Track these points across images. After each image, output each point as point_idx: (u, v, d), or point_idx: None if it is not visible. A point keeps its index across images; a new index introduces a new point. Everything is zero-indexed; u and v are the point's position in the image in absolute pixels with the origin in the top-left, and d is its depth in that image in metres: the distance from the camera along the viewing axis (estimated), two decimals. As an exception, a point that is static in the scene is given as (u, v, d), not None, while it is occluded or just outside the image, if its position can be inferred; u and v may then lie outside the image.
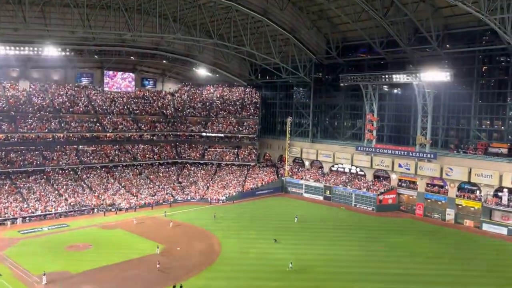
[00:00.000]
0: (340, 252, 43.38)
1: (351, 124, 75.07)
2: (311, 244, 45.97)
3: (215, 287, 34.19)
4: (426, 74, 55.69)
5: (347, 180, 68.81)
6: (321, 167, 74.85)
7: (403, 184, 63.60)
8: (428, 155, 59.04)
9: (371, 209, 62.50)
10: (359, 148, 67.56)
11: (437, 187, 59.66)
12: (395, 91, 67.63)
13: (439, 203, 58.85)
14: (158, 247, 42.68)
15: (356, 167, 69.71)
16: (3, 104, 65.74)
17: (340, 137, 74.70)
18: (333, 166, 73.01)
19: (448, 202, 57.46)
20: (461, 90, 59.34)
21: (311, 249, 44.14)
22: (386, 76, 61.46)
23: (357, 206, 64.34)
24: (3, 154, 61.56)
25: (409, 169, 61.59)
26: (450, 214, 57.03)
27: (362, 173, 68.93)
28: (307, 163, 77.07)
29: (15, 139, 63.85)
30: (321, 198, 69.15)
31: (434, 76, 55.09)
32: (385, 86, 67.08)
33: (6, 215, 52.14)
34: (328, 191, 68.63)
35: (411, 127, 64.51)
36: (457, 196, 56.87)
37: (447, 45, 58.10)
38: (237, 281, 35.20)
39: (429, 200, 60.03)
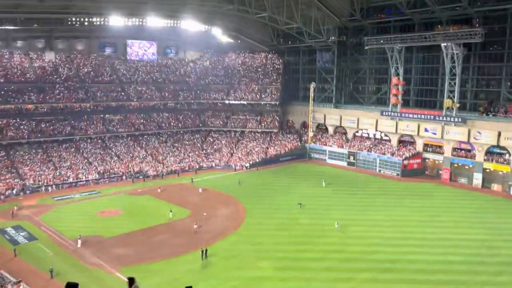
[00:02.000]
0: (366, 216, 43.66)
1: (375, 88, 73.60)
2: (338, 209, 46.35)
3: (240, 251, 35.23)
4: (455, 35, 53.52)
5: (371, 146, 68.24)
6: (345, 133, 74.26)
7: (428, 149, 62.66)
8: (456, 119, 57.66)
9: (395, 174, 62.12)
10: (384, 113, 66.49)
11: (464, 151, 58.54)
12: (422, 53, 65.42)
13: (466, 167, 57.91)
14: (171, 211, 44.06)
15: (381, 132, 68.86)
16: (31, 75, 67.28)
17: (364, 102, 73.53)
18: (357, 132, 72.33)
19: (476, 167, 56.46)
20: (492, 50, 56.94)
21: (337, 214, 44.53)
22: (413, 38, 59.48)
23: (382, 171, 64.05)
24: (34, 124, 63.59)
25: (435, 134, 60.47)
26: (477, 179, 56.16)
27: (387, 138, 68.12)
28: (330, 129, 76.56)
29: (44, 109, 65.66)
30: (345, 164, 69.04)
31: (464, 36, 52.91)
32: (411, 49, 64.92)
33: (40, 182, 54.48)
34: (352, 157, 68.36)
35: (438, 91, 62.80)
36: (485, 160, 55.76)
37: (478, 3, 55.34)
38: (262, 246, 36.14)
39: (455, 165, 59.12)
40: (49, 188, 54.20)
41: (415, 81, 66.24)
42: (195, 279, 30.03)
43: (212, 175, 63.28)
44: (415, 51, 65.21)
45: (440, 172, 60.43)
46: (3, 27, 61.16)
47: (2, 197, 50.00)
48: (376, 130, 69.17)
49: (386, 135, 68.23)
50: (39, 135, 62.53)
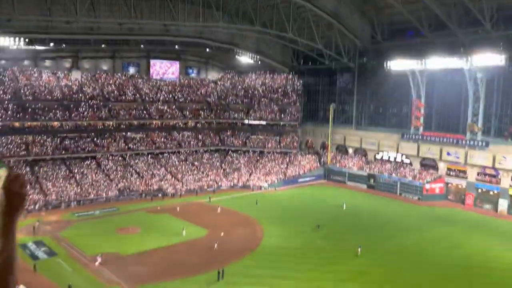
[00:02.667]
0: (387, 241, 42.72)
1: (396, 110, 72.96)
2: (357, 232, 45.52)
3: (256, 273, 34.84)
4: (478, 58, 53.01)
5: (392, 168, 67.27)
6: (365, 155, 73.51)
7: (451, 173, 61.35)
8: (480, 143, 56.50)
9: (416, 198, 60.87)
10: (405, 136, 65.69)
11: (488, 177, 57.09)
12: (444, 76, 64.71)
13: (491, 193, 56.36)
14: (184, 229, 44.09)
15: (402, 155, 67.92)
16: (58, 94, 69.34)
17: (385, 124, 72.87)
18: (377, 154, 71.51)
19: (501, 192, 54.88)
20: (517, 74, 56.01)
21: (356, 238, 43.72)
22: (435, 60, 59.11)
23: (402, 195, 62.87)
24: (58, 141, 65.17)
25: (458, 158, 59.28)
26: (502, 205, 54.52)
27: (408, 161, 67.08)
28: (350, 150, 75.96)
29: (69, 126, 67.35)
30: (364, 186, 68.11)
31: (487, 60, 52.36)
32: (434, 71, 64.36)
33: (62, 198, 55.46)
34: (372, 180, 67.44)
35: (461, 114, 61.79)
36: (510, 186, 54.19)
37: (501, 27, 54.79)
38: (278, 269, 35.67)
39: (480, 190, 57.62)
40: (71, 204, 55.08)
41: (437, 104, 65.47)
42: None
43: (230, 194, 63.27)
44: (437, 74, 64.57)
45: (464, 197, 58.95)
46: (33, 47, 63.49)
47: (25, 212, 51.01)
48: (397, 153, 68.28)
49: (407, 158, 67.23)
50: (63, 151, 63.97)
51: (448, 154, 60.50)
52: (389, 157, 70.00)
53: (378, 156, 71.41)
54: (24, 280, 31.72)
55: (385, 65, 65.50)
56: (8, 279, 1.81)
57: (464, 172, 59.64)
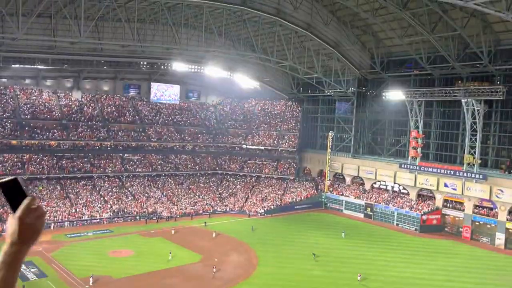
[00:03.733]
0: (384, 272, 42.07)
1: (394, 140, 73.22)
2: (354, 262, 44.85)
3: (251, 301, 34.10)
4: (476, 91, 53.64)
5: (389, 198, 66.97)
6: (362, 184, 73.30)
7: (448, 205, 61.07)
8: (477, 176, 56.48)
9: (413, 229, 60.34)
10: (402, 166, 65.69)
11: (486, 209, 56.82)
12: (442, 107, 65.40)
13: (488, 226, 55.96)
14: (170, 252, 43.78)
15: (399, 185, 67.75)
16: (57, 113, 69.45)
17: (383, 154, 72.98)
18: (375, 183, 71.33)
19: (498, 226, 54.52)
20: (514, 108, 56.57)
21: (353, 267, 43.06)
22: (433, 92, 59.79)
23: (399, 225, 62.36)
24: (55, 160, 64.83)
25: (455, 189, 59.12)
26: (500, 239, 54.05)
27: (405, 191, 66.87)
28: (348, 179, 75.77)
29: (66, 146, 67.13)
30: (361, 215, 67.59)
31: (485, 93, 52.97)
32: (431, 103, 65.03)
33: (55, 218, 54.71)
34: (369, 209, 67.00)
35: (459, 146, 62.05)
36: (507, 219, 53.89)
37: (499, 61, 55.73)
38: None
39: (477, 223, 57.24)
40: (64, 224, 54.30)
41: (434, 135, 65.83)
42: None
43: (225, 219, 62.60)
44: (435, 105, 65.25)
45: (461, 229, 58.49)
46: (35, 66, 63.99)
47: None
48: (395, 183, 68.12)
49: (404, 188, 67.04)
50: (58, 171, 63.53)
51: (446, 185, 60.37)
52: (386, 186, 69.80)
53: (376, 185, 71.20)
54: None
55: (383, 95, 66.17)
56: None
57: (461, 204, 59.40)
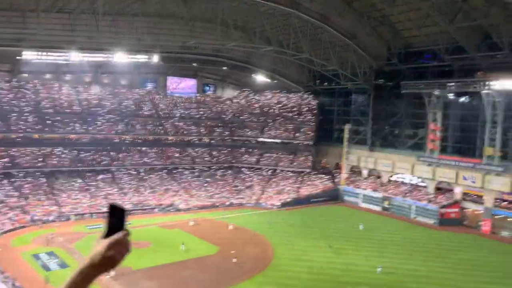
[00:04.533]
0: (401, 265, 41.89)
1: (412, 133, 72.32)
2: (371, 255, 44.74)
3: (267, 292, 34.44)
4: (496, 82, 52.54)
5: (406, 191, 66.36)
6: (380, 177, 72.76)
7: (467, 198, 60.20)
8: (497, 168, 55.47)
9: (432, 222, 59.71)
10: (420, 159, 64.93)
11: (506, 203, 55.82)
12: (461, 99, 64.23)
13: (509, 219, 55.01)
14: (183, 244, 44.34)
15: (417, 178, 67.03)
16: (77, 107, 70.76)
17: (400, 146, 72.17)
18: (392, 176, 70.74)
19: (519, 219, 53.59)
20: (536, 99, 55.24)
21: (367, 260, 43.04)
22: (452, 84, 58.77)
23: (417, 219, 61.80)
24: (75, 153, 66.19)
25: (474, 182, 58.22)
26: (520, 232, 53.17)
27: (423, 184, 66.15)
28: (364, 172, 75.29)
29: (86, 139, 68.45)
30: (379, 208, 67.18)
31: (506, 84, 51.84)
32: (450, 94, 63.94)
33: (76, 210, 56.01)
34: (387, 202, 66.54)
35: (478, 138, 60.93)
36: (529, 213, 52.92)
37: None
38: (289, 288, 35.23)
39: (497, 216, 56.32)
40: (84, 216, 55.54)
41: (453, 127, 64.75)
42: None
43: (242, 212, 63.05)
44: (454, 97, 64.14)
45: (480, 223, 57.65)
46: (55, 61, 65.15)
47: (39, 223, 51.61)
48: (412, 175, 67.44)
49: (422, 181, 66.31)
50: (79, 164, 64.87)
51: (464, 178, 59.49)
52: (404, 179, 69.14)
53: (393, 178, 70.60)
54: (35, 291, 31.94)
55: (401, 87, 65.31)
56: None
57: (481, 197, 58.48)
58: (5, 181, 57.53)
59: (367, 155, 74.48)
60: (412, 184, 67.71)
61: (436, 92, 61.67)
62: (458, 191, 60.93)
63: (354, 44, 66.68)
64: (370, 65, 71.06)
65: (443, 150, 64.38)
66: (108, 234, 1.93)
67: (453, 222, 59.00)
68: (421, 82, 62.73)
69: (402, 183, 69.00)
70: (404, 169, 68.11)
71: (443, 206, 59.84)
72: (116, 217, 1.97)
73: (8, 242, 43.89)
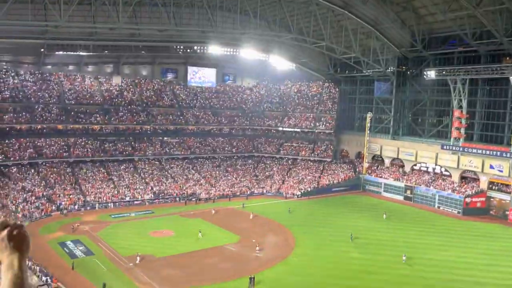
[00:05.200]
0: (425, 255, 41.27)
1: (436, 121, 70.72)
2: (392, 245, 44.22)
3: (287, 281, 34.46)
4: (525, 68, 50.66)
5: (430, 180, 65.13)
6: (402, 166, 71.58)
7: (494, 187, 58.66)
8: (525, 157, 53.75)
9: (456, 212, 58.53)
10: (444, 147, 63.49)
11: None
12: (488, 86, 62.25)
13: (537, 209, 53.43)
14: (200, 231, 45.06)
15: (441, 166, 65.66)
16: (99, 98, 71.77)
17: (423, 135, 70.73)
18: (415, 165, 69.49)
19: (548, 209, 51.94)
20: None
21: (390, 249, 42.52)
22: (478, 70, 56.96)
23: (441, 208, 60.68)
24: (98, 143, 67.32)
25: (502, 171, 56.61)
26: (549, 223, 51.56)
27: (447, 173, 64.75)
28: (387, 160, 74.19)
29: (108, 130, 69.49)
30: (401, 198, 66.22)
31: (535, 69, 49.95)
32: (476, 81, 62.00)
33: (100, 199, 57.12)
34: (409, 191, 65.50)
35: (506, 125, 59.11)
36: (559, 203, 51.21)
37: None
38: (310, 277, 35.15)
39: (524, 206, 54.75)
40: (108, 205, 56.62)
41: (479, 115, 62.94)
42: (242, 307, 29.62)
43: (262, 201, 63.13)
44: (481, 84, 62.22)
45: (507, 212, 56.16)
46: (77, 53, 66.02)
47: (65, 211, 52.89)
48: (436, 164, 66.09)
49: (446, 170, 64.91)
50: (102, 154, 65.96)
51: (491, 167, 57.89)
52: (427, 168, 67.84)
53: (416, 167, 69.35)
54: (62, 278, 32.77)
55: (425, 74, 63.71)
56: None
57: (508, 186, 56.87)
58: (32, 171, 59.06)
59: (390, 144, 73.31)
60: (435, 173, 66.39)
61: (462, 79, 59.92)
62: (484, 180, 59.41)
63: (376, 31, 65.28)
64: (393, 52, 69.51)
65: (469, 138, 62.78)
66: None
67: (478, 212, 57.68)
68: (446, 69, 61.04)
69: (426, 172, 67.73)
70: (428, 158, 66.79)
71: (468, 196, 58.51)
72: None
73: (36, 230, 45.15)
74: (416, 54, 68.20)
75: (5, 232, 2.13)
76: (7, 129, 60.59)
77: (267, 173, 74.76)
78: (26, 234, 2.18)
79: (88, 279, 33.74)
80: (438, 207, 61.06)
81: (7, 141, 60.02)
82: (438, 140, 66.49)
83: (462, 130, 61.65)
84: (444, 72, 60.92)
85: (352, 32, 63.67)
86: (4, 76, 65.40)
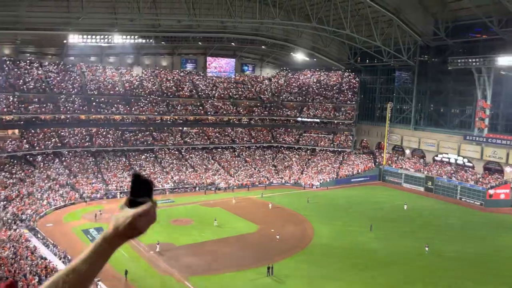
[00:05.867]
0: (447, 246, 40.82)
1: (459, 111, 69.25)
2: (414, 236, 43.82)
3: (307, 271, 34.61)
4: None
5: (452, 171, 64.05)
6: (423, 156, 70.55)
7: (519, 179, 57.32)
8: (552, 148, 52.28)
9: (478, 203, 57.51)
10: (467, 137, 62.25)
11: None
12: (514, 75, 60.44)
13: None
14: (215, 219, 45.78)
15: (463, 157, 64.44)
16: (120, 88, 72.78)
17: (446, 125, 69.40)
18: (436, 156, 68.39)
19: None
20: None
21: (411, 240, 42.16)
22: (504, 58, 55.35)
23: (463, 199, 59.70)
24: (119, 133, 68.44)
25: (527, 163, 55.26)
26: None
27: (470, 164, 63.53)
28: (407, 151, 73.22)
29: (129, 120, 70.50)
30: (421, 189, 65.39)
31: None
32: (502, 70, 60.30)
33: (121, 188, 58.24)
34: (430, 182, 64.60)
35: (532, 116, 57.49)
36: None
37: None
38: (329, 267, 35.22)
39: (550, 198, 53.39)
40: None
41: (504, 105, 61.31)
42: (260, 295, 29.95)
43: (281, 191, 63.28)
44: (506, 72, 60.40)
45: (532, 205, 54.91)
46: (99, 44, 66.90)
47: (88, 200, 54.16)
48: (458, 155, 64.90)
49: (469, 161, 63.69)
50: (123, 144, 67.07)
51: (516, 158, 56.54)
52: (449, 159, 66.71)
53: (438, 158, 68.26)
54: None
55: (448, 63, 62.27)
56: None
57: (534, 178, 55.52)
58: (56, 160, 60.57)
59: (411, 134, 72.28)
60: (458, 164, 65.23)
61: (487, 68, 58.38)
62: (508, 171, 58.10)
63: (398, 19, 64.00)
64: (415, 40, 68.15)
65: (493, 128, 61.36)
66: (132, 203, 1.86)
67: (502, 204, 56.54)
68: (470, 57, 59.53)
69: (447, 163, 66.60)
70: (450, 149, 65.63)
71: (492, 187, 57.35)
72: (142, 188, 1.88)
73: (61, 218, 46.44)
74: (439, 43, 66.70)
75: None
76: (33, 119, 62.11)
77: (285, 163, 74.77)
78: None
79: (111, 265, 34.58)
80: (460, 198, 60.10)
81: (32, 131, 61.60)
82: (461, 131, 65.21)
83: (486, 121, 60.27)
84: (468, 61, 59.43)
85: (373, 20, 62.60)
86: (28, 67, 66.88)
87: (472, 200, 58.62)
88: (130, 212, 1.85)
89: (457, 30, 63.84)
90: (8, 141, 57.61)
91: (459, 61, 60.66)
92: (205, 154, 72.39)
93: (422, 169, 67.28)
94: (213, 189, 62.32)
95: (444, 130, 68.18)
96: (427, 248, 38.78)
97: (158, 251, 37.39)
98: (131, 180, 1.90)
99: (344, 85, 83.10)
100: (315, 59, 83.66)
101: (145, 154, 67.97)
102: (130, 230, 1.84)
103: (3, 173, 52.79)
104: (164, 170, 65.18)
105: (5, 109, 58.77)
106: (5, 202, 45.94)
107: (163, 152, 69.76)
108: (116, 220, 1.85)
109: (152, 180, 1.93)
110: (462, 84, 66.51)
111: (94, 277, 1.80)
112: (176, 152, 70.89)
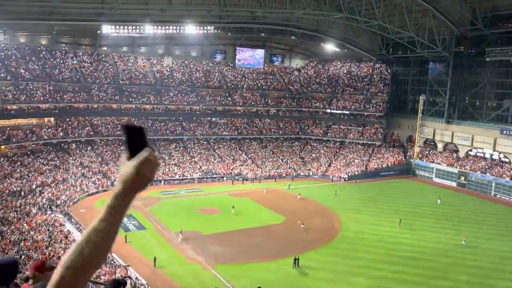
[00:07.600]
0: (481, 244, 39.69)
1: (496, 104, 66.67)
2: (445, 232, 42.78)
3: (332, 264, 34.44)
4: None
5: (486, 167, 61.93)
6: (456, 151, 68.48)
7: (558, 176, 54.88)
8: None
9: (514, 201, 55.50)
10: (504, 132, 59.93)
11: None
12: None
13: None
14: (233, 207, 46.58)
15: (499, 152, 62.15)
16: (151, 79, 73.90)
17: (481, 119, 66.99)
18: (470, 150, 66.24)
19: None
20: None
21: (443, 236, 41.20)
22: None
23: (498, 196, 57.72)
24: (150, 123, 69.66)
25: None
26: None
27: (506, 159, 61.23)
28: (440, 145, 71.23)
29: (160, 110, 71.60)
30: (454, 184, 63.61)
31: None
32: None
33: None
34: (463, 177, 62.73)
35: None
36: None
37: None
38: (356, 261, 34.90)
39: None
40: (159, 182, 58.80)
41: (545, 98, 58.61)
42: (286, 286, 30.04)
43: (308, 183, 62.98)
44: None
45: None
46: (131, 35, 67.97)
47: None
48: (494, 150, 62.63)
49: (505, 156, 61.39)
50: (153, 133, 68.22)
51: (556, 154, 54.07)
52: (483, 154, 64.49)
53: (472, 153, 66.11)
54: (115, 249, 34.68)
55: (486, 54, 59.87)
56: (102, 255, 1.80)
57: None
58: (89, 148, 62.35)
59: (444, 128, 70.23)
60: (493, 160, 63.01)
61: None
62: (547, 168, 55.69)
63: (433, 8, 61.82)
64: (451, 31, 65.79)
65: (532, 123, 58.81)
66: (131, 154, 1.85)
67: (540, 202, 54.35)
68: (509, 48, 56.99)
69: (482, 158, 64.43)
70: (485, 143, 63.41)
71: (529, 184, 55.17)
72: (136, 137, 1.86)
73: (93, 204, 47.91)
74: (476, 33, 64.13)
75: None
76: (67, 107, 63.97)
77: (313, 155, 74.26)
78: None
79: (140, 252, 35.50)
80: (495, 194, 58.16)
81: (67, 119, 63.53)
82: (497, 125, 62.83)
83: (525, 115, 57.81)
84: (508, 52, 56.95)
85: (406, 10, 60.75)
86: (63, 57, 68.77)
87: (508, 196, 56.60)
88: (132, 163, 1.84)
89: (495, 20, 61.16)
90: (44, 129, 59.67)
91: (498, 52, 58.21)
92: (233, 145, 72.77)
93: (455, 164, 65.37)
94: (241, 179, 62.66)
95: (479, 124, 65.87)
96: (463, 242, 38.04)
97: (180, 240, 37.95)
98: (123, 133, 1.87)
99: (375, 76, 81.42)
100: (345, 50, 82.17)
101: (174, 144, 68.98)
102: (138, 181, 1.84)
103: (40, 160, 54.81)
104: (193, 159, 66.01)
105: (41, 98, 60.76)
106: (41, 188, 47.77)
107: (192, 142, 70.60)
108: (122, 176, 1.85)
109: (142, 126, 1.91)
110: (500, 76, 63.93)
111: (115, 233, 1.85)
112: (205, 142, 71.58)
